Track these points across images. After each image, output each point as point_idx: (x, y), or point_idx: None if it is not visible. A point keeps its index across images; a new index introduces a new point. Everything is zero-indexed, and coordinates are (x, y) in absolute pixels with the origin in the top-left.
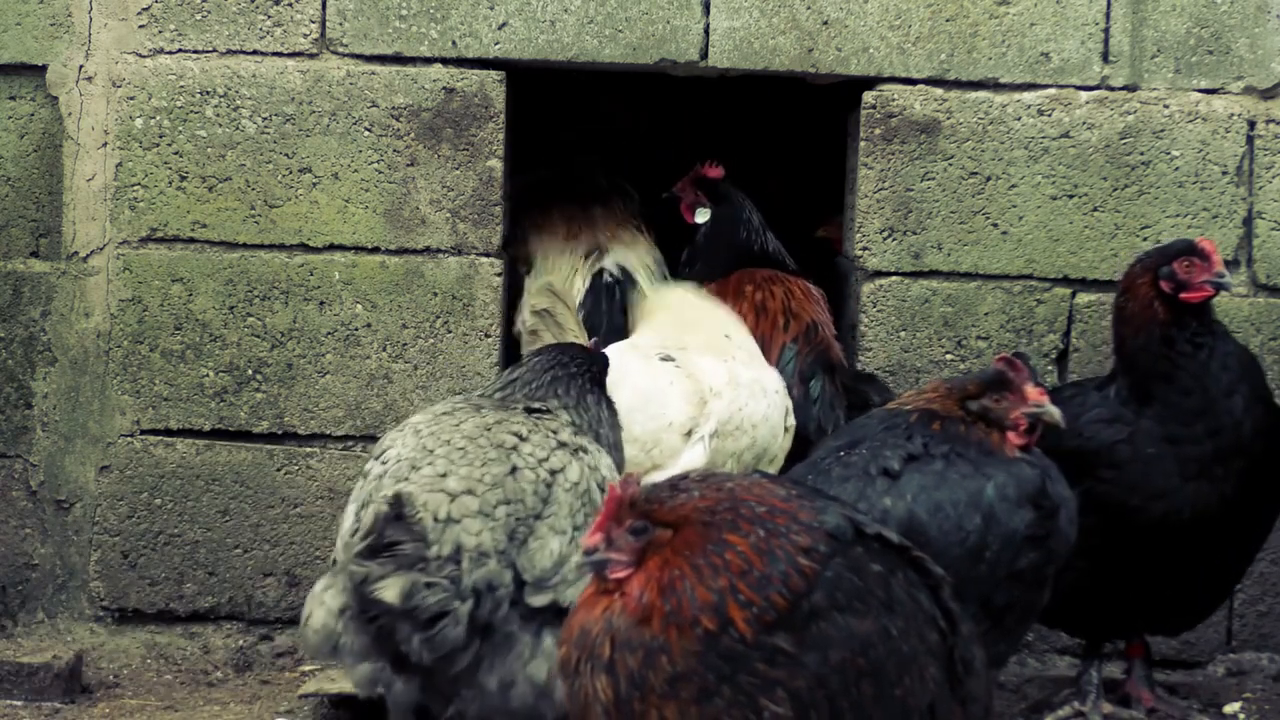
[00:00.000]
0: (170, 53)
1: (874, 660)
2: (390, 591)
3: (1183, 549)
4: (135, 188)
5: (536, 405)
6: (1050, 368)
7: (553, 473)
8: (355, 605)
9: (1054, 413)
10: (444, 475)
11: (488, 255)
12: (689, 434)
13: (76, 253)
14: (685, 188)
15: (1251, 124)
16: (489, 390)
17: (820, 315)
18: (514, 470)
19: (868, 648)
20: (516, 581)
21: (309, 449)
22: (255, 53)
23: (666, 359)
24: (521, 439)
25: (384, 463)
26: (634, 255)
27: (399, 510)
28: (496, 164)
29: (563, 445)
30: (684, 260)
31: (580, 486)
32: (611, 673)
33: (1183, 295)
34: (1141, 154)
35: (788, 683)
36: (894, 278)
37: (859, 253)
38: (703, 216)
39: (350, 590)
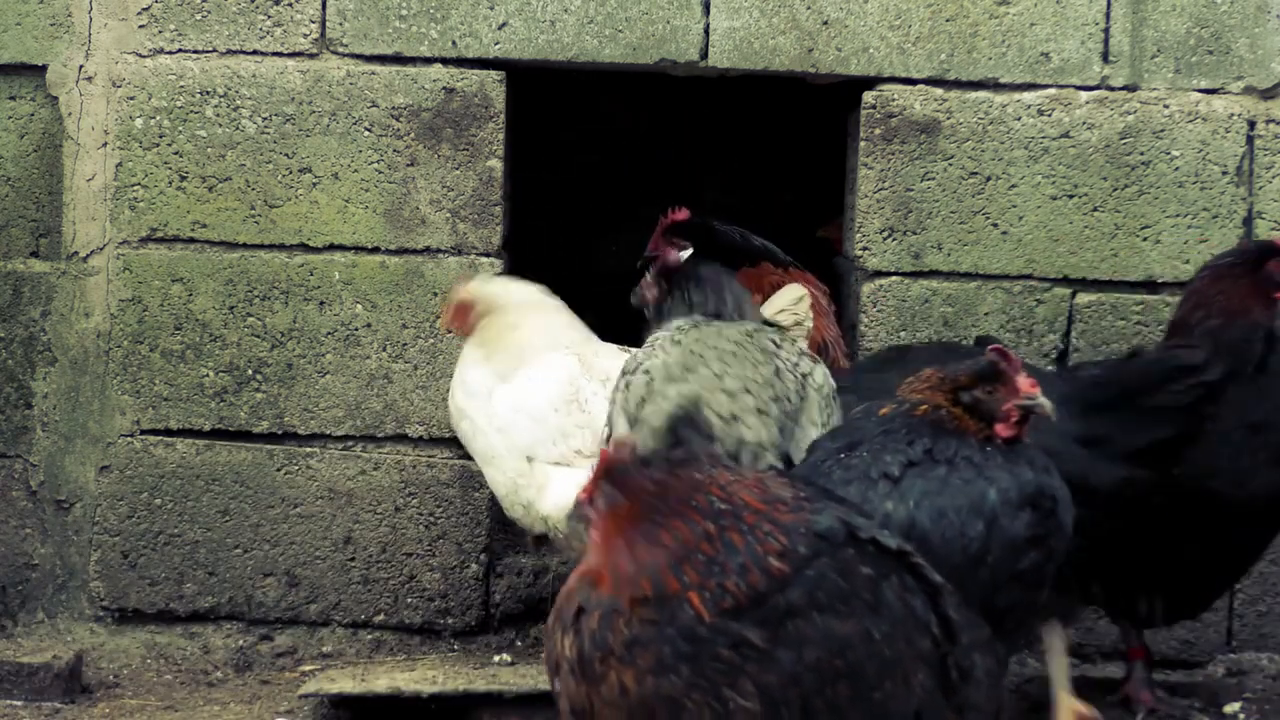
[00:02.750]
0: (170, 53)
1: (852, 662)
2: None
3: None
4: (135, 188)
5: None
6: (1050, 368)
7: (804, 375)
8: None
9: (1046, 405)
10: (720, 376)
11: (488, 255)
12: None
13: (76, 253)
14: (658, 243)
15: (1251, 124)
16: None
17: (830, 332)
18: (778, 371)
19: (846, 649)
20: (787, 466)
21: (309, 449)
22: (255, 53)
23: None
24: (777, 345)
25: (647, 372)
26: None
27: (689, 411)
28: (496, 164)
29: (803, 353)
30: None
31: (825, 389)
32: (577, 632)
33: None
34: (1141, 154)
35: (757, 677)
36: (894, 278)
37: (859, 253)
38: (685, 254)
39: None
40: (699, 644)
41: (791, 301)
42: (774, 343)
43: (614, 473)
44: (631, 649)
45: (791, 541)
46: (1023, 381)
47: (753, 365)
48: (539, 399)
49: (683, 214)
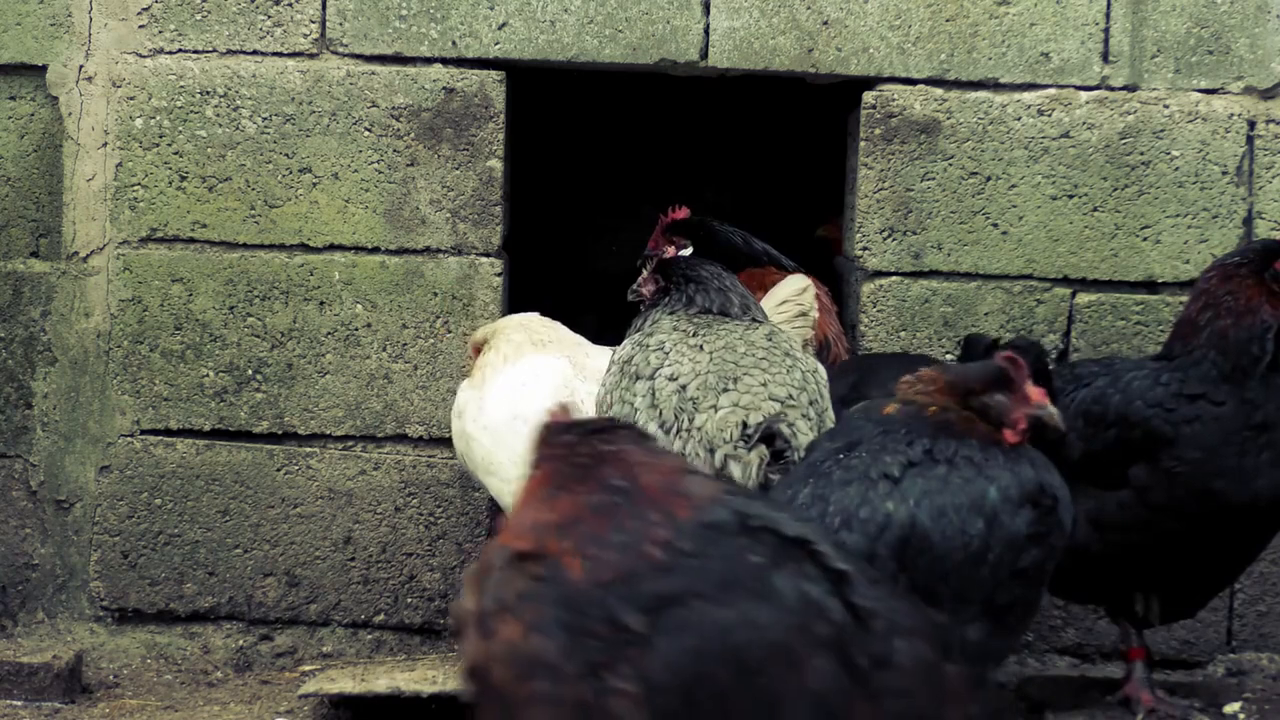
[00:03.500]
0: (170, 53)
1: (733, 647)
2: None
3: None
4: (135, 188)
5: (756, 316)
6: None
7: (814, 371)
8: None
9: (1055, 414)
10: (765, 385)
11: (488, 255)
12: None
13: (76, 253)
14: (658, 242)
15: (1251, 124)
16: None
17: (832, 328)
18: (803, 374)
19: (726, 635)
20: None
21: (309, 449)
22: (255, 53)
23: None
24: (792, 345)
25: (674, 379)
26: None
27: (774, 423)
28: (496, 164)
29: (806, 346)
30: None
31: (825, 382)
32: (483, 590)
33: None
34: (1141, 154)
35: (636, 661)
36: (894, 278)
37: (859, 253)
38: (685, 253)
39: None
40: (575, 612)
41: (796, 292)
42: (790, 343)
43: (544, 435)
44: (521, 601)
45: (678, 537)
46: (1033, 390)
47: (786, 370)
48: (534, 404)
49: (683, 213)
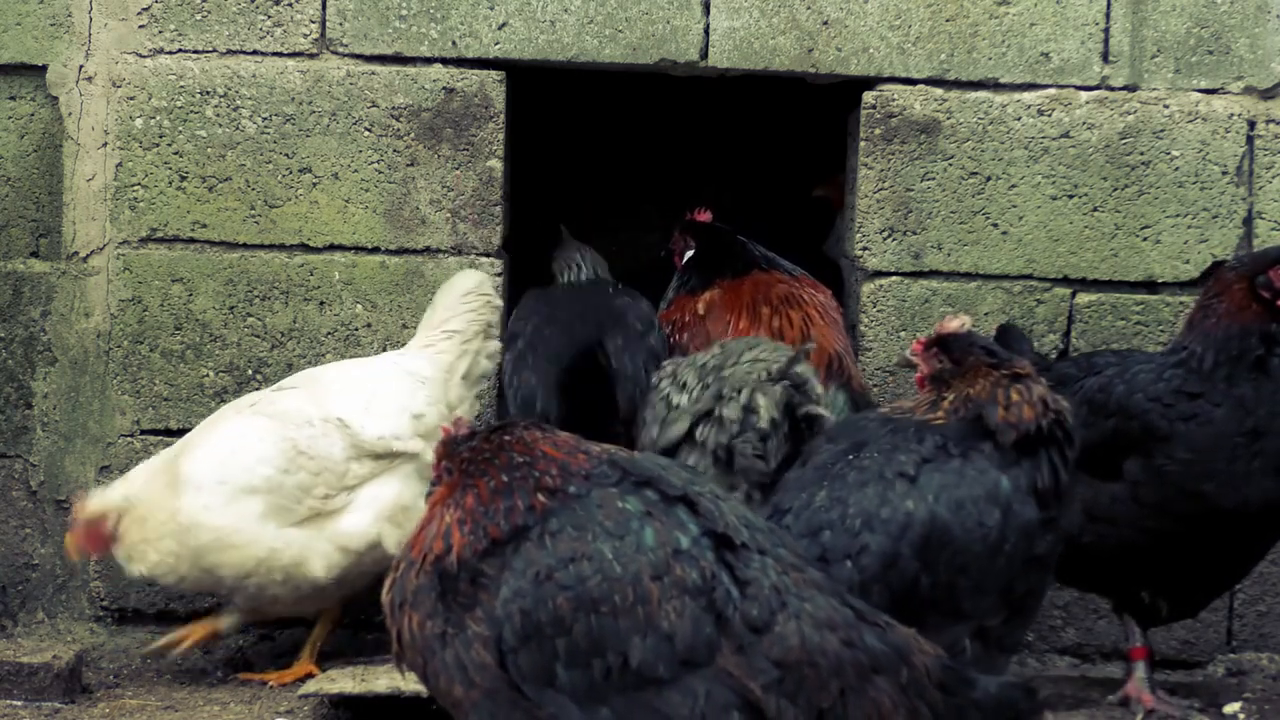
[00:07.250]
0: (170, 53)
1: (573, 579)
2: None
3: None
4: (135, 188)
5: None
6: None
7: None
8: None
9: None
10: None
11: (488, 255)
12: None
13: (76, 253)
14: (677, 238)
15: (1251, 124)
16: None
17: (839, 343)
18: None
19: (566, 568)
20: None
21: None
22: (255, 53)
23: None
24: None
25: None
26: None
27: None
28: (496, 164)
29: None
30: (678, 279)
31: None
32: (393, 583)
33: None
34: (1141, 154)
35: (486, 602)
36: (894, 278)
37: (859, 253)
38: (689, 254)
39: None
40: (447, 581)
41: (475, 285)
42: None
43: (446, 449)
44: (417, 595)
45: (564, 481)
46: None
47: (772, 350)
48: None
49: (705, 216)
